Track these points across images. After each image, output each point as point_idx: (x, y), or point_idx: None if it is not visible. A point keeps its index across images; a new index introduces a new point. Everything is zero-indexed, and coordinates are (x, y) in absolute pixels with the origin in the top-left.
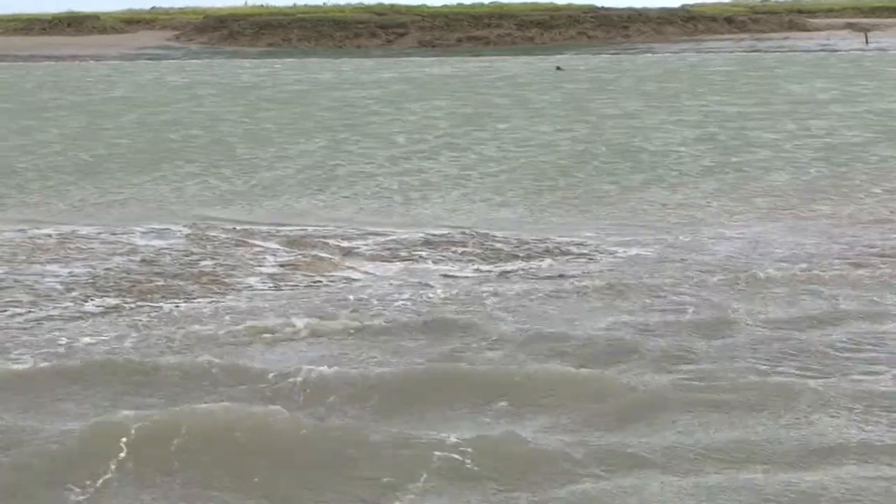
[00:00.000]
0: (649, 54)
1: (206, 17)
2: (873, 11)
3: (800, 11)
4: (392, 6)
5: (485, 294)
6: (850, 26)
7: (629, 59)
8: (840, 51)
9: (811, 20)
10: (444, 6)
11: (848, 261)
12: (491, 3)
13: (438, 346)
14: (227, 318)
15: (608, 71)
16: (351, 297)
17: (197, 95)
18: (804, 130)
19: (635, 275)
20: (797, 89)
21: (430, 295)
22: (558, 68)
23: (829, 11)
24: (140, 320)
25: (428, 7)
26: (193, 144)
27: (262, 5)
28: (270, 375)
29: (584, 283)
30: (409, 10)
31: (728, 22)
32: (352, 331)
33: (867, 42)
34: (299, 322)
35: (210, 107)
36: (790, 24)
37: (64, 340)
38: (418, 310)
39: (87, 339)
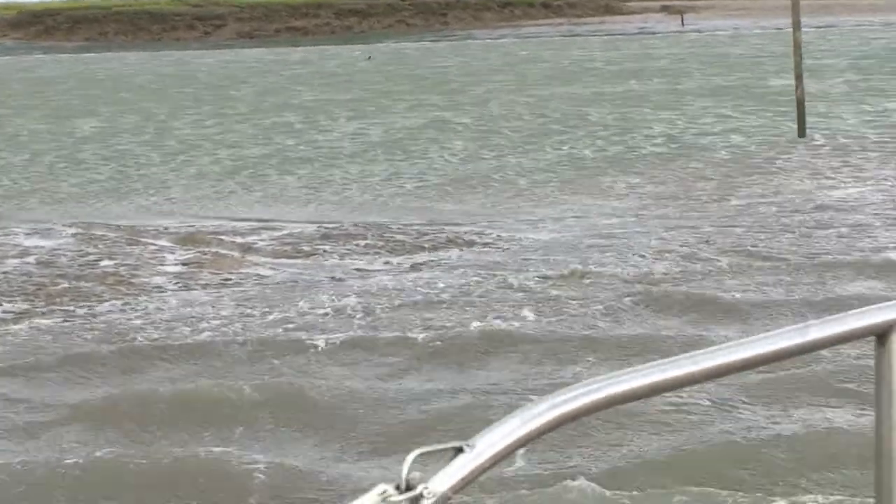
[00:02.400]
0: (470, 40)
1: (21, 11)
2: None
3: None
4: None
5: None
6: (665, 9)
7: (449, 45)
8: (659, 33)
9: (626, 4)
10: None
11: None
12: None
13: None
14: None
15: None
16: (278, 296)
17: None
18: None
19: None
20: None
21: (365, 290)
22: (370, 57)
23: None
24: (67, 325)
25: None
26: (38, 140)
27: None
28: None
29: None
30: (225, 1)
31: (544, 7)
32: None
33: (683, 24)
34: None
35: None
36: (606, 9)
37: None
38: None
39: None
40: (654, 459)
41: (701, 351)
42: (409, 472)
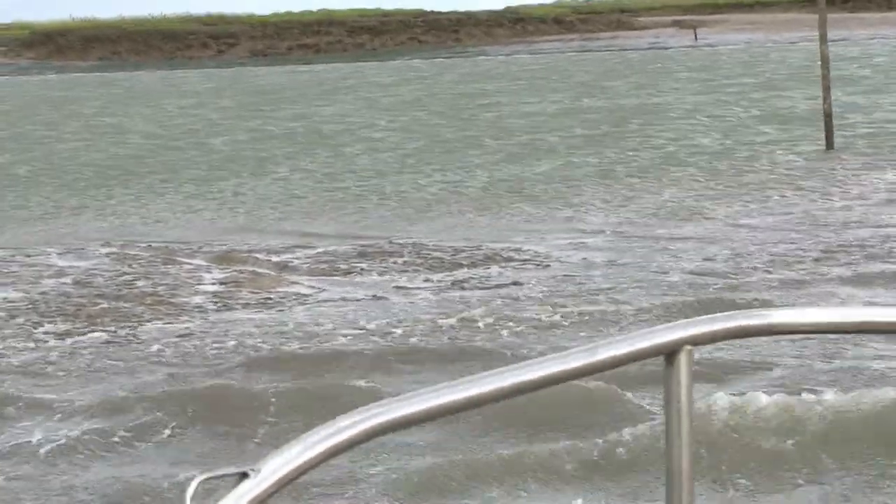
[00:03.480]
0: (482, 57)
1: (34, 32)
2: (695, 8)
3: (623, 10)
4: (220, 16)
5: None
6: (677, 24)
7: (462, 62)
8: (671, 48)
9: (638, 19)
10: (274, 14)
11: None
12: (319, 10)
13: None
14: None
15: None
16: (324, 313)
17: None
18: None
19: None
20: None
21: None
22: None
23: (652, 10)
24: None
25: (257, 16)
26: (76, 163)
27: (88, 18)
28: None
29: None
30: (237, 19)
31: (557, 23)
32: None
33: (696, 38)
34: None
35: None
36: (618, 24)
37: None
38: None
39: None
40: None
41: (490, 372)
42: (192, 499)
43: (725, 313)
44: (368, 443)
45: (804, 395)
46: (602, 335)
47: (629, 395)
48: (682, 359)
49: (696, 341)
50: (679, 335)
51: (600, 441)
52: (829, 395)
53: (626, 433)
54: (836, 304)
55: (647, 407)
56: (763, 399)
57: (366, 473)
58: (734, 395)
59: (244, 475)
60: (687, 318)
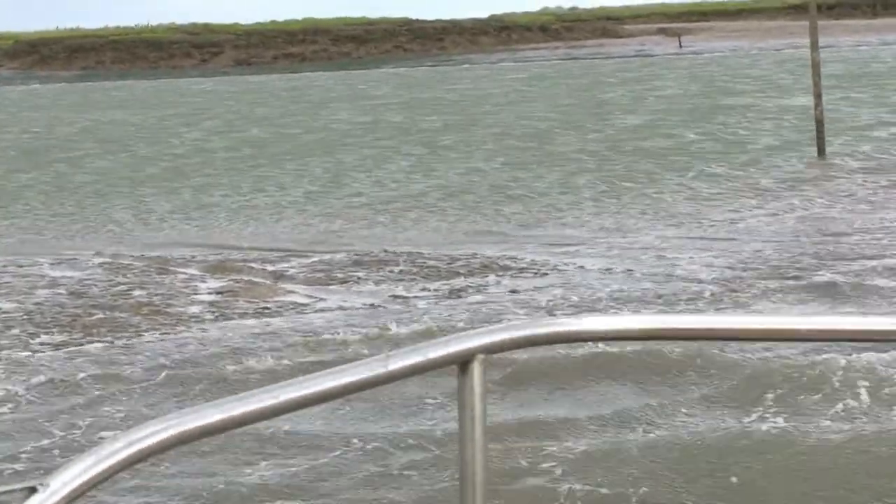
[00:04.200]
0: (466, 66)
1: (17, 42)
2: (680, 16)
3: (608, 18)
4: (205, 25)
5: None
6: (662, 31)
7: (449, 71)
8: (656, 55)
9: (623, 27)
10: (258, 24)
11: None
12: (304, 18)
13: None
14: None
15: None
16: (321, 323)
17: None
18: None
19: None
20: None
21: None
22: None
23: (638, 17)
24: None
25: (241, 25)
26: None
27: (73, 28)
28: None
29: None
30: (222, 28)
31: (542, 31)
32: None
33: (681, 46)
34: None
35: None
36: (603, 31)
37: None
38: None
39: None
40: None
41: (283, 383)
42: None
43: (518, 321)
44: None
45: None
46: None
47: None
48: (475, 368)
49: (489, 350)
50: (472, 344)
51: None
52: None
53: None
54: (644, 313)
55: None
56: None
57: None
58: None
59: (33, 490)
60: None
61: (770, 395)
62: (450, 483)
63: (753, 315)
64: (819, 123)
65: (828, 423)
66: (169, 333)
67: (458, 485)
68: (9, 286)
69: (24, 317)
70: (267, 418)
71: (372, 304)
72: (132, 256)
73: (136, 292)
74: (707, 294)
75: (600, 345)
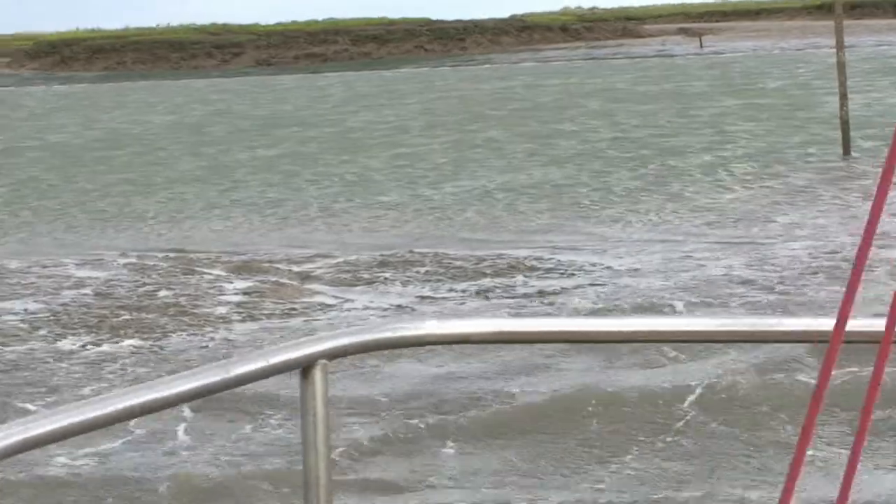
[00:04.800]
0: (488, 65)
1: (38, 42)
2: (701, 16)
3: (629, 18)
4: (225, 25)
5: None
6: (682, 31)
7: (465, 69)
8: (676, 55)
9: (644, 27)
10: (279, 24)
11: None
12: (325, 19)
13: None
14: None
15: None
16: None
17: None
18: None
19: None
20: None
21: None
22: None
23: (659, 17)
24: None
25: (262, 25)
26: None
27: (94, 29)
28: None
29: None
30: (242, 28)
31: (563, 31)
32: None
33: (702, 46)
34: None
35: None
36: (624, 31)
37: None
38: None
39: None
40: None
41: (123, 390)
42: None
43: (360, 326)
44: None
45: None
46: None
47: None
48: (318, 373)
49: (331, 355)
50: (313, 349)
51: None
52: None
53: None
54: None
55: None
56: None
57: None
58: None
59: None
60: None
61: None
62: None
63: (601, 317)
64: (844, 123)
65: None
66: (196, 335)
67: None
68: (34, 286)
69: (51, 317)
70: (105, 426)
71: (399, 305)
72: (157, 257)
73: (163, 293)
74: (730, 294)
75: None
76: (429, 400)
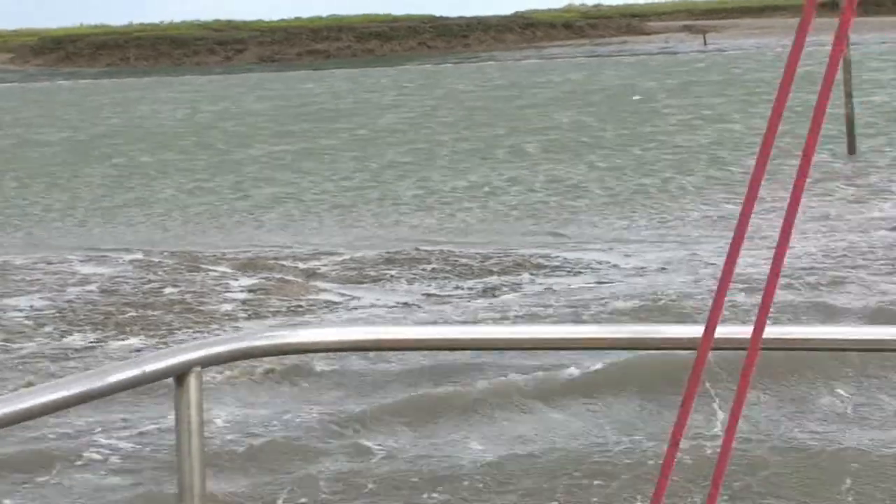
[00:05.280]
0: (492, 62)
1: (42, 38)
2: (704, 13)
3: (633, 15)
4: (229, 22)
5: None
6: (686, 29)
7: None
8: (680, 53)
9: (648, 24)
10: (282, 20)
11: None
12: (329, 15)
13: None
14: None
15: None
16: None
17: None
18: None
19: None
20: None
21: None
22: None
23: (663, 14)
24: None
25: (265, 21)
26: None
27: (97, 25)
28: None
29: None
30: (246, 25)
31: (566, 27)
32: None
33: (706, 43)
34: None
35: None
36: (627, 28)
37: None
38: None
39: None
40: None
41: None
42: None
43: (235, 334)
44: None
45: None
46: None
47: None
48: (192, 381)
49: (205, 363)
50: (187, 357)
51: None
52: None
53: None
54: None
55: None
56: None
57: None
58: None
59: None
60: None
61: None
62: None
63: (475, 325)
64: (850, 121)
65: None
66: (202, 332)
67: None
68: (40, 283)
69: (57, 314)
70: None
71: (406, 303)
72: (163, 254)
73: (168, 290)
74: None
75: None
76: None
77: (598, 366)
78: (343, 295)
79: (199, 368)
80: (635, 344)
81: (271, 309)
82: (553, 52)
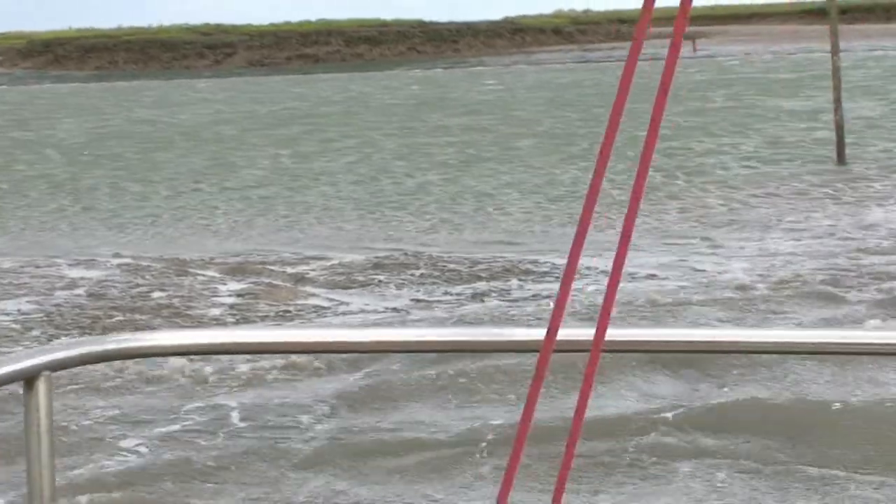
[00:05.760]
0: (481, 67)
1: (31, 41)
2: (693, 20)
3: (622, 21)
4: (218, 26)
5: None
6: None
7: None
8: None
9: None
10: (272, 24)
11: None
12: (318, 20)
13: None
14: None
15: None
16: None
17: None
18: None
19: None
20: None
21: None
22: None
23: (651, 20)
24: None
25: (255, 26)
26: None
27: (86, 28)
28: None
29: None
30: (235, 28)
31: (556, 33)
32: None
33: (695, 50)
34: None
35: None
36: (617, 34)
37: None
38: None
39: None
40: None
41: None
42: None
43: (87, 338)
44: None
45: None
46: None
47: None
48: (41, 385)
49: (55, 367)
50: (36, 361)
51: None
52: None
53: None
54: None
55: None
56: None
57: None
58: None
59: None
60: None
61: None
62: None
63: (321, 328)
64: (839, 129)
65: None
66: None
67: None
68: (27, 287)
69: (44, 318)
70: None
71: (395, 308)
72: (151, 258)
73: (156, 294)
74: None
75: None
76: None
77: (448, 370)
78: (331, 300)
79: (48, 373)
80: (478, 347)
81: (259, 314)
82: (542, 58)
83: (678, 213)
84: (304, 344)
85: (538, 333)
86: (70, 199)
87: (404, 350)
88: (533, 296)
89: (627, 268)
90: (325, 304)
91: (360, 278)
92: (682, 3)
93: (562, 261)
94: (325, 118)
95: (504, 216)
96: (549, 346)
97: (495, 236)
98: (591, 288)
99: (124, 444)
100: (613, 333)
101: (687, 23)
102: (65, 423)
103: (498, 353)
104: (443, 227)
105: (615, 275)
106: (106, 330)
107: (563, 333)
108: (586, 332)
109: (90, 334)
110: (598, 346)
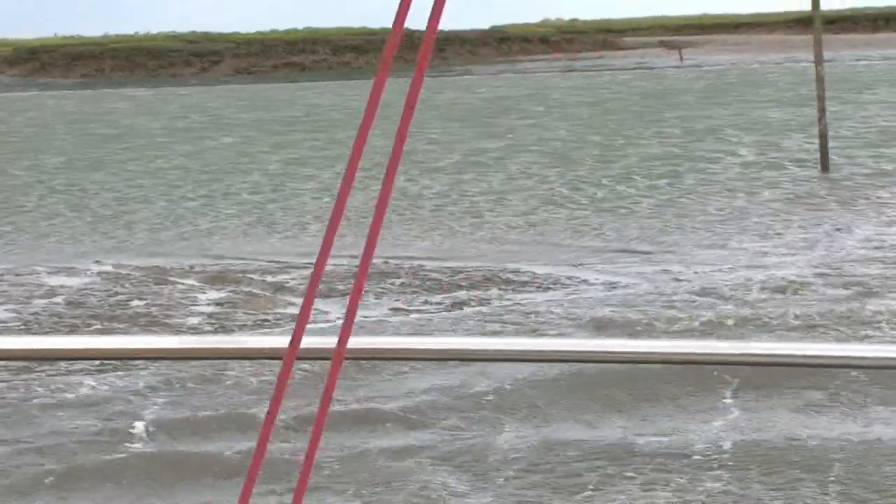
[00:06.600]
0: (466, 76)
1: (17, 48)
2: (680, 29)
3: (608, 30)
4: (205, 34)
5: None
6: (663, 44)
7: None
8: (656, 68)
9: (623, 39)
10: (258, 32)
11: None
12: (305, 28)
13: None
14: None
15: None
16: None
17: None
18: None
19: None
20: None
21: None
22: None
23: (638, 30)
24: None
25: (241, 34)
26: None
27: (73, 35)
28: None
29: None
30: (222, 36)
31: (542, 42)
32: None
33: (682, 59)
34: None
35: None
36: (603, 44)
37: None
38: None
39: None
40: None
41: None
42: None
43: None
44: None
45: None
46: None
47: None
48: None
49: None
50: None
51: None
52: None
53: None
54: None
55: None
56: None
57: None
58: None
59: None
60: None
61: None
62: None
63: (140, 336)
64: (823, 137)
65: None
66: None
67: None
68: (5, 295)
69: (22, 327)
70: None
71: (376, 319)
72: (130, 266)
73: (135, 302)
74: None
75: None
76: None
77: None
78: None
79: None
80: (224, 354)
81: (238, 322)
82: (528, 67)
83: (659, 220)
84: (121, 350)
85: (282, 341)
86: (55, 206)
87: (144, 357)
88: (515, 305)
89: (607, 276)
90: None
91: (340, 287)
92: (428, 27)
93: (544, 270)
94: (313, 125)
95: (487, 224)
96: (292, 354)
97: (478, 245)
98: (593, 297)
99: None
100: (356, 342)
101: (432, 45)
102: None
103: (242, 360)
104: (427, 236)
105: (359, 282)
106: None
107: (308, 341)
108: (329, 341)
109: None
110: (340, 353)
